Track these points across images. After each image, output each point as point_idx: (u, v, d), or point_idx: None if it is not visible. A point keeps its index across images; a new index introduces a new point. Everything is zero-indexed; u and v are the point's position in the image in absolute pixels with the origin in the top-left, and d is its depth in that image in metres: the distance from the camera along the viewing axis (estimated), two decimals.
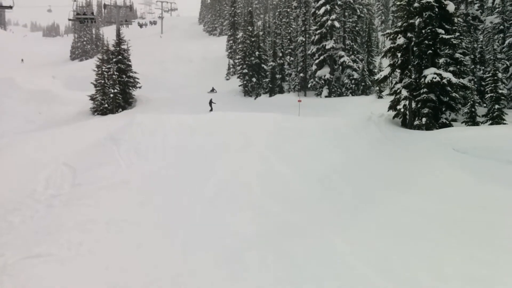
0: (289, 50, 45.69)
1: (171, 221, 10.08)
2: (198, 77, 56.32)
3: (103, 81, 37.65)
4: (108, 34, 75.40)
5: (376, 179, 13.00)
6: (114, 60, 39.94)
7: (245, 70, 45.20)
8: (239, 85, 46.30)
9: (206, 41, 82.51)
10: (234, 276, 7.48)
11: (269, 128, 18.64)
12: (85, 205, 10.80)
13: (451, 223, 9.12)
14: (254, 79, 45.16)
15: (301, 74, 42.33)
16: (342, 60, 38.70)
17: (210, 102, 30.62)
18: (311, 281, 7.19)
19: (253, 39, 46.19)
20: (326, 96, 38.33)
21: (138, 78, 41.88)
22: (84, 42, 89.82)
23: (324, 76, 38.66)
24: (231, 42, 65.81)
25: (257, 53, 45.73)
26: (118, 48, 40.69)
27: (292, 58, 45.37)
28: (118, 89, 38.21)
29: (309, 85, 41.40)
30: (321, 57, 38.86)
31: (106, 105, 36.97)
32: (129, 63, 41.54)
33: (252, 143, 16.97)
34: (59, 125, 28.28)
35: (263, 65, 45.65)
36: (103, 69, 38.13)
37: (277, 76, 44.16)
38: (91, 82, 38.55)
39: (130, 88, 41.13)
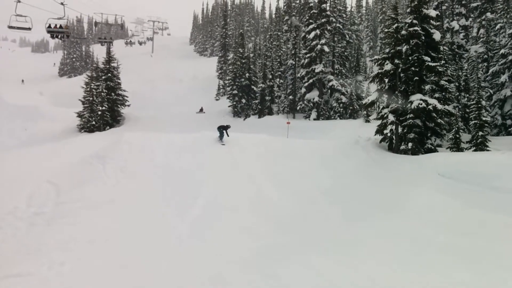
0: (279, 73, 46.25)
1: (157, 241, 9.91)
2: (188, 97, 56.49)
3: (91, 98, 37.45)
4: (98, 51, 75.52)
5: (363, 203, 13.06)
6: (103, 77, 39.87)
7: (235, 91, 45.50)
8: (229, 106, 46.51)
9: (196, 61, 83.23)
10: None
11: (258, 149, 18.65)
12: (68, 224, 10.57)
13: (436, 247, 9.17)
14: (243, 100, 45.44)
15: (290, 97, 42.75)
16: (330, 84, 39.26)
17: (223, 130, 19.86)
18: None
19: (243, 61, 46.70)
20: (314, 119, 38.68)
21: (127, 96, 41.80)
22: (74, 59, 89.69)
23: (313, 99, 39.10)
24: (222, 63, 66.48)
25: (247, 74, 46.16)
26: (107, 66, 40.69)
27: (281, 81, 45.88)
28: (107, 106, 38.01)
29: (298, 108, 41.77)
30: (310, 80, 39.37)
31: (94, 123, 36.67)
32: (119, 81, 41.50)
33: (241, 164, 16.95)
34: (45, 141, 27.89)
35: (253, 87, 46.03)
36: (92, 86, 37.99)
37: (267, 97, 44.52)
38: (79, 99, 38.31)
39: (119, 106, 40.96)
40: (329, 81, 39.50)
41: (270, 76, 45.40)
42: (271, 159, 17.64)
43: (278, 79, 45.99)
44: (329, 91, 40.05)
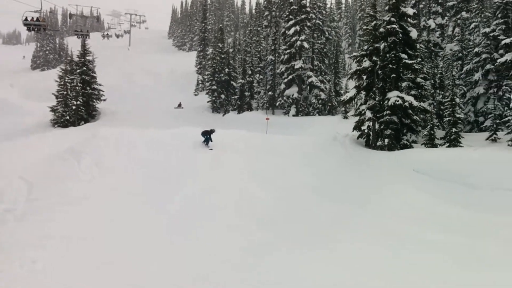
0: (259, 68, 46.18)
1: (136, 239, 9.72)
2: (166, 92, 55.77)
3: (65, 92, 36.57)
4: (73, 44, 73.63)
5: (342, 199, 13.17)
6: (78, 71, 38.96)
7: (214, 87, 45.20)
8: (208, 101, 46.19)
9: (175, 56, 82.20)
10: None
11: (238, 145, 18.54)
12: (41, 220, 10.25)
13: (412, 243, 9.34)
14: (223, 96, 45.20)
15: (270, 93, 42.77)
16: (310, 80, 39.46)
17: (208, 135, 18.57)
18: None
19: (223, 56, 46.41)
20: (293, 115, 38.82)
21: (103, 91, 40.97)
22: (47, 52, 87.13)
23: (292, 95, 39.22)
24: (201, 58, 65.85)
25: (226, 70, 45.90)
26: (82, 59, 39.79)
27: (261, 76, 45.83)
28: (81, 101, 37.19)
29: (277, 104, 41.85)
30: (290, 77, 39.47)
31: (68, 117, 35.82)
32: (94, 74, 40.64)
33: (220, 160, 16.81)
34: (16, 136, 27.03)
35: (232, 82, 45.82)
36: (66, 80, 37.09)
37: (246, 93, 44.42)
38: (53, 93, 37.31)
39: (94, 100, 40.13)
40: (308, 77, 39.69)
41: (250, 72, 45.30)
42: (252, 155, 17.57)
43: (257, 75, 45.93)
44: (308, 87, 40.26)
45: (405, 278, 7.70)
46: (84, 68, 39.44)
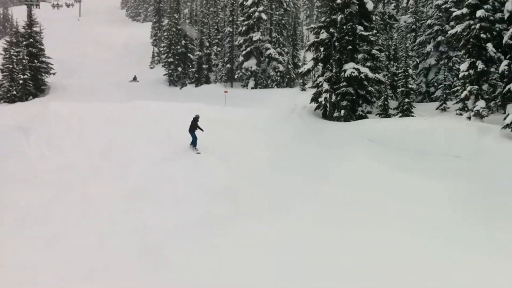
0: (216, 40, 45.22)
1: (88, 216, 9.48)
2: (120, 65, 53.64)
3: (11, 66, 34.41)
4: (18, 14, 68.70)
5: (300, 170, 13.35)
6: (24, 43, 36.59)
7: (171, 59, 43.95)
8: (164, 74, 44.93)
9: (129, 27, 78.85)
10: (153, 269, 7.23)
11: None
12: None
13: (366, 210, 9.70)
14: (180, 69, 44.11)
15: (228, 65, 42.18)
16: (268, 52, 39.19)
17: (194, 129, 15.51)
18: (233, 271, 7.19)
19: (179, 27, 45.00)
20: (252, 88, 38.64)
21: (52, 64, 38.78)
22: None
23: (251, 67, 38.91)
24: (156, 29, 63.56)
25: (183, 41, 44.66)
26: (29, 31, 37.33)
27: (219, 49, 44.95)
28: (29, 74, 35.09)
29: (235, 76, 41.40)
30: (248, 49, 39.01)
31: (15, 92, 33.84)
32: (42, 47, 38.32)
33: (176, 134, 16.53)
34: None
35: (189, 55, 44.73)
36: (12, 53, 34.86)
37: (204, 66, 43.55)
38: None
39: (43, 74, 37.96)
40: (266, 49, 39.39)
41: (207, 44, 44.28)
42: (209, 128, 17.38)
43: (215, 47, 45.01)
44: (266, 59, 40.02)
45: (363, 246, 7.98)
46: (31, 40, 37.07)
